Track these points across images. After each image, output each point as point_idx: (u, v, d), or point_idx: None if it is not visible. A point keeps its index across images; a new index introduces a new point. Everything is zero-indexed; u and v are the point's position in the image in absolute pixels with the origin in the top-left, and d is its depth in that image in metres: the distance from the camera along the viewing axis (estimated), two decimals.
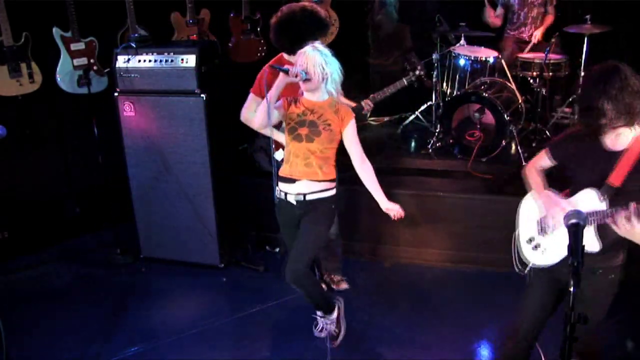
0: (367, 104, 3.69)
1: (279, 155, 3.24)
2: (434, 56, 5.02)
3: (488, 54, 5.04)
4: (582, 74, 4.95)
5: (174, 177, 4.11)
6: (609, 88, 2.16)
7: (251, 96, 3.35)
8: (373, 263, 4.32)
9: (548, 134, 4.94)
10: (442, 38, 5.32)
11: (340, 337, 3.34)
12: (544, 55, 4.83)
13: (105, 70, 4.47)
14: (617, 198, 2.25)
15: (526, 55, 5.07)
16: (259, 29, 5.38)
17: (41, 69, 4.25)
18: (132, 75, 4.00)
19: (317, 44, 2.88)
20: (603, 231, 2.30)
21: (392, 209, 3.00)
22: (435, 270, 4.22)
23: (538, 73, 4.92)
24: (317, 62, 2.80)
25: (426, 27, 5.69)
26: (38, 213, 4.57)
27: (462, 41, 5.20)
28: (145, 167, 4.14)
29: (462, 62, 5.14)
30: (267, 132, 3.09)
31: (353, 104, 3.64)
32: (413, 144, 5.31)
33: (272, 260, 4.33)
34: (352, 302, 3.82)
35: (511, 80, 4.97)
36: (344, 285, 4.00)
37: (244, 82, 3.65)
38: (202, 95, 3.91)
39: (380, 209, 3.04)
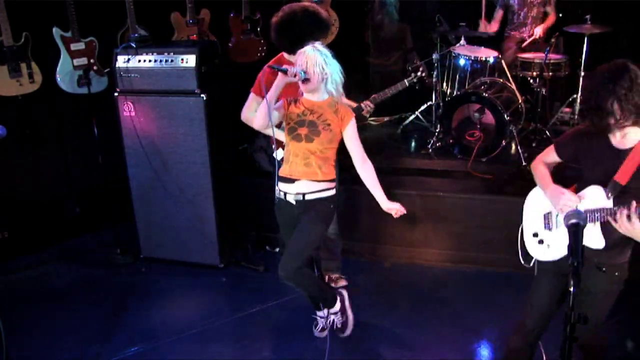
0: (367, 106, 3.67)
1: (279, 154, 3.24)
2: (434, 56, 5.02)
3: (488, 54, 5.04)
4: (582, 73, 4.96)
5: (174, 177, 4.11)
6: (618, 88, 2.15)
7: (252, 96, 3.36)
8: (373, 263, 4.32)
9: (548, 134, 4.95)
10: (442, 38, 5.32)
11: (349, 327, 3.35)
12: (544, 55, 4.83)
13: (105, 70, 4.47)
14: (623, 196, 2.25)
15: (526, 55, 5.07)
16: (259, 29, 5.38)
17: (41, 69, 4.25)
18: (132, 75, 4.00)
19: (317, 44, 2.87)
20: (608, 228, 2.31)
21: (393, 208, 2.99)
22: (435, 270, 4.22)
23: (538, 73, 4.92)
24: (317, 62, 2.80)
25: (426, 27, 5.69)
26: (38, 213, 4.57)
27: (462, 41, 5.20)
28: (145, 167, 4.14)
29: (462, 62, 5.15)
30: (269, 131, 3.09)
31: (354, 105, 3.64)
32: (413, 144, 5.31)
33: (272, 260, 4.33)
34: (352, 302, 3.83)
35: (511, 80, 4.97)
36: (342, 282, 4.01)
37: (244, 82, 3.65)
38: (202, 95, 3.91)
39: (381, 209, 3.04)
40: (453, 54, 5.17)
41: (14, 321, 3.46)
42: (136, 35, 4.28)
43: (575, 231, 2.16)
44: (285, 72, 2.79)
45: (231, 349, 3.41)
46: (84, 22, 4.38)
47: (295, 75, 2.79)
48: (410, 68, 3.81)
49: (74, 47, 4.38)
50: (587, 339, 2.51)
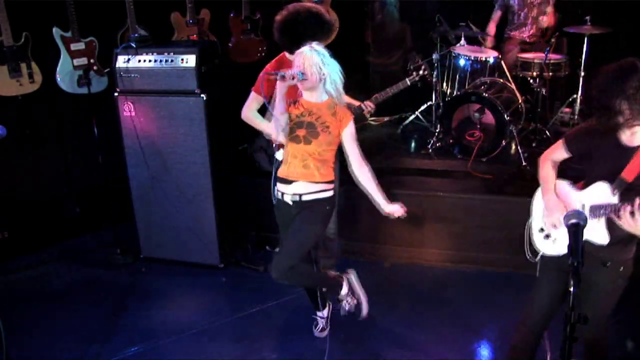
0: (368, 106, 3.66)
1: (280, 155, 3.24)
2: (434, 56, 5.02)
3: (488, 54, 5.04)
4: (582, 74, 4.96)
5: (174, 177, 4.11)
6: (626, 87, 2.15)
7: (252, 95, 3.36)
8: (373, 263, 4.32)
9: (548, 134, 4.95)
10: (442, 38, 5.32)
11: (364, 307, 3.33)
12: (544, 55, 4.83)
13: (105, 70, 4.47)
14: (629, 193, 2.26)
15: (526, 55, 5.07)
16: (259, 29, 5.38)
17: (41, 69, 4.25)
18: (132, 75, 4.00)
19: (315, 45, 2.86)
20: (613, 224, 2.32)
21: (394, 211, 2.96)
22: (435, 270, 4.22)
23: (538, 73, 4.92)
24: (314, 62, 2.79)
25: (426, 27, 5.68)
26: (38, 213, 4.57)
27: (462, 41, 5.20)
28: (145, 167, 4.14)
29: (462, 62, 5.15)
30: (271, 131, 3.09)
31: (356, 103, 3.63)
32: (413, 144, 5.31)
33: (272, 260, 4.32)
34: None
35: (511, 80, 4.97)
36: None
37: (244, 82, 3.64)
38: (202, 95, 3.91)
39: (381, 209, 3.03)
40: (453, 54, 5.17)
41: (14, 321, 3.46)
42: (136, 35, 4.28)
43: (575, 231, 2.16)
44: (282, 77, 2.77)
45: (231, 349, 3.41)
46: (84, 22, 4.38)
47: (293, 78, 2.77)
48: (412, 67, 3.80)
49: (74, 47, 4.38)
50: (592, 335, 2.52)
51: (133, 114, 4.05)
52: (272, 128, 2.90)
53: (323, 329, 3.45)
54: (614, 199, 2.31)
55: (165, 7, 4.85)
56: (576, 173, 2.61)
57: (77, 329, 3.60)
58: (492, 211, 4.15)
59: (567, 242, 2.42)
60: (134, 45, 4.00)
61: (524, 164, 4.46)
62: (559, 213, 2.44)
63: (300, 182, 2.95)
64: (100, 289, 4.09)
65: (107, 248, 4.51)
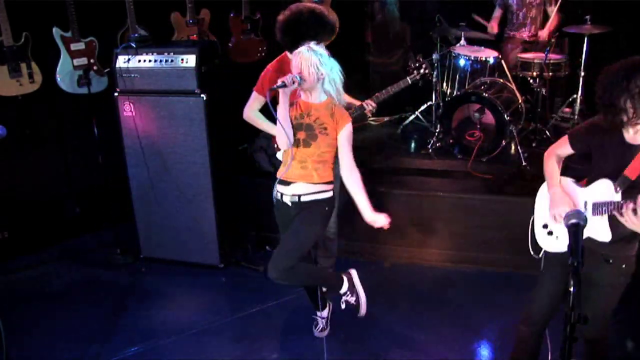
0: (369, 104, 3.66)
1: (280, 155, 3.25)
2: (434, 56, 5.02)
3: (488, 54, 5.04)
4: (582, 73, 4.96)
5: (174, 177, 4.11)
6: (631, 86, 2.16)
7: (254, 95, 3.36)
8: (373, 263, 4.32)
9: (548, 134, 4.95)
10: (442, 38, 5.32)
11: (362, 306, 3.28)
12: (544, 55, 4.83)
13: (105, 70, 4.47)
14: (632, 191, 2.27)
15: (526, 55, 5.07)
16: (259, 29, 5.38)
17: (41, 69, 4.25)
18: (132, 75, 4.00)
19: (313, 45, 2.85)
20: (615, 222, 2.33)
21: (376, 220, 2.90)
22: (435, 270, 4.22)
23: (538, 73, 4.92)
24: (312, 62, 2.77)
25: (426, 27, 5.69)
26: (38, 213, 4.57)
27: (462, 41, 5.20)
28: (145, 167, 4.14)
29: (462, 62, 5.14)
30: (273, 131, 3.08)
31: (357, 103, 3.63)
32: (413, 144, 5.31)
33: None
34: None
35: (511, 80, 4.97)
36: None
37: (244, 82, 3.65)
38: (202, 95, 3.91)
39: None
40: (453, 54, 5.17)
41: (14, 321, 3.47)
42: (136, 35, 4.28)
43: (575, 231, 2.17)
44: (283, 85, 2.75)
45: (231, 349, 3.41)
46: (84, 22, 4.38)
47: (293, 82, 2.76)
48: (413, 65, 3.78)
49: (74, 47, 4.38)
50: (593, 334, 2.53)
51: (133, 114, 4.05)
52: (278, 136, 2.88)
53: (323, 329, 3.45)
54: (617, 197, 2.32)
55: (165, 7, 4.85)
56: (576, 173, 2.62)
57: (77, 329, 3.60)
58: (492, 211, 4.15)
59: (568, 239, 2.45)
60: (134, 45, 4.00)
61: (524, 164, 4.46)
62: (565, 206, 2.44)
63: (299, 183, 2.94)
64: (100, 289, 4.09)
65: (107, 248, 4.51)
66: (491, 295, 3.86)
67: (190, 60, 3.89)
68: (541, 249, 2.65)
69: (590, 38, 4.90)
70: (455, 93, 5.17)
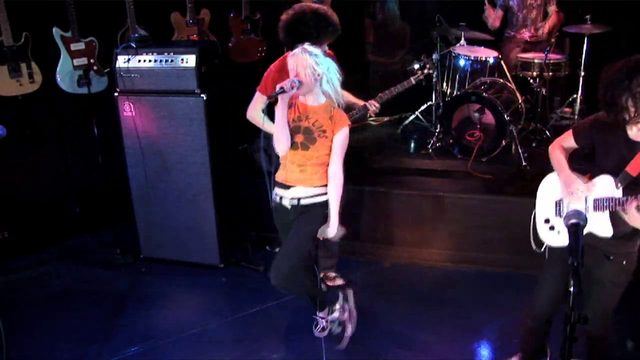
0: (373, 105, 3.65)
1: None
2: (434, 56, 5.01)
3: (488, 54, 5.04)
4: (583, 73, 4.96)
5: (174, 177, 4.11)
6: (633, 85, 2.17)
7: (257, 95, 3.35)
8: (373, 263, 4.32)
9: (548, 134, 4.95)
10: (442, 38, 5.32)
11: (351, 325, 3.28)
12: (544, 55, 4.83)
13: (105, 70, 4.47)
14: (633, 187, 2.28)
15: (526, 55, 5.07)
16: (259, 29, 5.38)
17: (41, 69, 4.25)
18: (132, 75, 4.00)
19: (307, 46, 2.83)
20: (617, 218, 2.35)
21: (338, 233, 2.95)
22: (435, 270, 4.22)
23: (538, 73, 4.92)
24: (307, 64, 2.74)
25: (426, 27, 5.68)
26: (38, 213, 4.57)
27: (462, 41, 5.20)
28: (145, 167, 4.14)
29: (462, 62, 5.14)
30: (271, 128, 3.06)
31: (361, 103, 3.63)
32: (413, 144, 5.31)
33: (272, 260, 4.32)
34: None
35: (511, 80, 4.97)
36: (339, 282, 4.00)
37: (244, 82, 3.65)
38: (202, 95, 3.90)
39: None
40: (453, 54, 5.16)
41: (14, 321, 3.47)
42: (136, 35, 4.28)
43: (575, 231, 2.17)
44: (283, 91, 2.73)
45: (231, 349, 3.41)
46: (84, 22, 4.38)
47: (292, 87, 2.74)
48: (417, 66, 3.78)
49: (74, 47, 4.38)
50: (594, 332, 2.53)
51: (133, 114, 4.05)
52: (275, 141, 2.86)
53: (323, 329, 3.44)
54: (618, 193, 2.34)
55: (165, 7, 4.85)
56: (577, 172, 2.62)
57: (77, 329, 3.60)
58: (492, 211, 4.15)
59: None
60: (134, 45, 4.00)
61: (524, 164, 4.45)
62: (577, 182, 2.46)
63: (299, 187, 2.93)
64: (100, 289, 4.09)
65: (107, 248, 4.51)
66: (491, 295, 3.86)
67: (190, 60, 3.89)
68: (543, 243, 2.66)
69: (590, 38, 4.90)
70: (455, 93, 5.17)
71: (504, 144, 4.55)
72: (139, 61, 3.98)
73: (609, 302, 2.54)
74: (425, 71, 3.85)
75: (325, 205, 2.96)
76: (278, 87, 2.76)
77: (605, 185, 2.39)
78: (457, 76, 5.18)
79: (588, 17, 4.83)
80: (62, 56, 4.35)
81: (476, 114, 4.65)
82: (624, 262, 2.45)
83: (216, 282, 4.14)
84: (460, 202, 4.27)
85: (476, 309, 3.71)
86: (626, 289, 2.55)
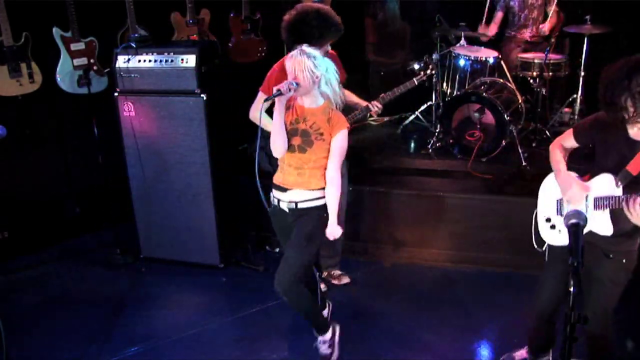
0: (375, 105, 3.64)
1: None
2: (434, 56, 5.01)
3: (488, 54, 5.04)
4: (582, 73, 4.96)
5: (174, 177, 4.11)
6: (633, 85, 2.17)
7: (260, 95, 3.35)
8: (373, 263, 4.32)
9: (548, 134, 4.95)
10: (442, 38, 5.32)
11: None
12: (544, 55, 4.84)
13: (105, 70, 4.47)
14: (633, 186, 2.29)
15: (526, 55, 5.07)
16: (259, 29, 5.38)
17: (41, 69, 4.25)
18: (132, 75, 3.99)
19: (305, 47, 2.79)
20: (617, 216, 2.36)
21: (334, 231, 2.91)
22: (435, 270, 4.22)
23: (538, 73, 4.92)
24: (305, 66, 2.71)
25: (426, 27, 5.68)
26: (38, 213, 4.57)
27: (462, 41, 5.20)
28: (145, 167, 4.14)
29: (462, 62, 5.14)
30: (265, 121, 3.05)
31: (364, 104, 3.62)
32: (413, 144, 5.31)
33: (272, 260, 4.32)
34: (352, 302, 3.83)
35: (511, 80, 4.97)
36: (346, 280, 4.01)
37: (244, 82, 3.65)
38: (202, 95, 3.90)
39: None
40: (453, 54, 5.16)
41: (14, 321, 3.47)
42: (136, 35, 4.28)
43: (575, 231, 2.18)
44: (280, 93, 2.71)
45: (231, 349, 3.41)
46: (84, 22, 4.38)
47: (290, 89, 2.71)
48: (419, 66, 3.78)
49: (74, 47, 4.38)
50: (595, 331, 2.54)
51: (133, 114, 4.05)
52: (272, 143, 2.83)
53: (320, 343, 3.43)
54: (618, 191, 2.35)
55: (165, 7, 4.85)
56: (577, 172, 2.63)
57: (77, 329, 3.60)
58: (492, 211, 4.15)
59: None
60: (134, 45, 4.00)
61: (524, 164, 4.45)
62: (573, 186, 2.47)
63: (296, 190, 2.90)
64: (100, 289, 4.09)
65: (107, 248, 4.51)
66: (491, 295, 3.86)
67: (190, 60, 3.89)
68: (544, 242, 2.68)
69: (590, 38, 4.90)
70: (455, 93, 5.17)
71: (504, 144, 4.55)
72: (139, 61, 3.98)
73: (608, 300, 2.54)
74: (428, 72, 3.84)
75: (323, 208, 2.92)
76: (275, 89, 2.74)
77: (606, 184, 2.40)
78: (457, 76, 5.19)
79: (588, 17, 4.83)
80: (62, 56, 4.35)
81: (476, 114, 4.65)
82: (624, 261, 2.46)
83: (216, 282, 4.14)
84: (460, 202, 4.27)
85: (476, 309, 3.71)
86: (626, 288, 2.55)
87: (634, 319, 3.41)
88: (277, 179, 2.97)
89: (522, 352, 3.08)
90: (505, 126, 4.51)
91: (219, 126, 4.05)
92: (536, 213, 2.73)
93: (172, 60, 3.92)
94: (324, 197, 2.91)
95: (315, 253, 3.07)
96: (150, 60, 3.96)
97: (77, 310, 3.81)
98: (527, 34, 5.29)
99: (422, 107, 5.48)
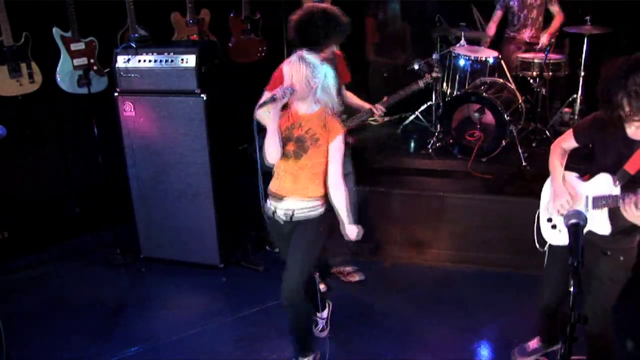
0: (378, 109, 3.61)
1: None
2: (434, 56, 5.01)
3: (488, 54, 5.04)
4: (583, 73, 4.96)
5: (174, 177, 4.11)
6: (629, 84, 2.18)
7: (266, 94, 3.34)
8: (373, 263, 4.32)
9: (548, 134, 4.95)
10: (442, 38, 5.32)
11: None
12: (544, 55, 4.84)
13: (105, 70, 4.47)
14: (631, 185, 2.31)
15: (526, 55, 5.07)
16: (259, 29, 5.38)
17: (41, 69, 4.25)
18: (132, 75, 4.00)
19: (305, 53, 2.76)
20: (615, 215, 2.38)
21: (354, 231, 2.84)
22: (435, 270, 4.22)
23: (538, 73, 4.92)
24: (303, 74, 2.68)
25: (426, 27, 5.68)
26: (38, 213, 4.57)
27: (462, 41, 5.20)
28: (145, 167, 4.14)
29: (462, 62, 5.15)
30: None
31: (367, 106, 3.61)
32: (413, 144, 5.31)
33: (272, 260, 4.32)
34: (352, 302, 3.83)
35: (511, 80, 4.97)
36: (357, 277, 4.01)
37: (244, 82, 3.65)
38: (202, 95, 3.90)
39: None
40: (453, 54, 5.17)
41: (14, 321, 3.47)
42: (136, 35, 4.28)
43: (575, 231, 2.19)
44: (274, 99, 2.68)
45: (231, 349, 3.41)
46: (84, 22, 4.38)
47: (284, 95, 2.69)
48: (425, 69, 3.76)
49: (74, 47, 4.38)
50: (595, 328, 2.55)
51: (133, 114, 4.05)
52: (266, 150, 2.79)
53: (323, 329, 3.45)
54: (616, 190, 2.37)
55: (165, 7, 4.85)
56: (576, 172, 2.63)
57: (77, 329, 3.60)
58: (492, 211, 4.15)
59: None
60: (134, 45, 4.00)
61: (524, 164, 4.46)
62: (564, 198, 2.52)
63: (292, 198, 2.84)
64: (100, 289, 4.08)
65: (107, 248, 4.51)
66: (491, 295, 3.86)
67: (190, 60, 3.89)
68: (546, 242, 2.71)
69: (590, 38, 4.90)
70: (455, 93, 5.18)
71: (504, 144, 4.55)
72: (139, 61, 3.98)
73: (607, 299, 2.55)
74: (434, 75, 3.83)
75: (320, 219, 2.88)
76: (270, 94, 2.72)
77: (604, 183, 2.41)
78: (457, 76, 5.19)
79: (588, 17, 4.84)
80: (62, 56, 4.35)
81: (476, 114, 4.65)
82: (621, 258, 2.48)
83: (216, 282, 4.14)
84: (460, 202, 4.27)
85: (476, 309, 3.71)
86: (625, 287, 2.55)
87: (634, 319, 3.42)
88: (272, 186, 2.92)
89: (534, 343, 3.13)
90: (505, 126, 4.51)
91: (219, 126, 4.05)
92: (538, 213, 2.75)
93: (172, 60, 3.92)
94: (320, 206, 2.87)
95: (316, 259, 3.03)
96: (150, 60, 3.96)
97: (77, 310, 3.81)
98: (526, 34, 5.29)
99: (422, 107, 5.48)
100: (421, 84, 3.75)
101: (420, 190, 4.41)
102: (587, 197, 2.49)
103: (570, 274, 2.06)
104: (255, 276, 4.18)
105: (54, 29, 4.28)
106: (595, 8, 5.10)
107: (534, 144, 4.87)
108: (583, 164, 2.69)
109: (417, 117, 5.53)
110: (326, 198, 2.90)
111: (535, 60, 4.94)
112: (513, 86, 4.91)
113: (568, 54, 5.19)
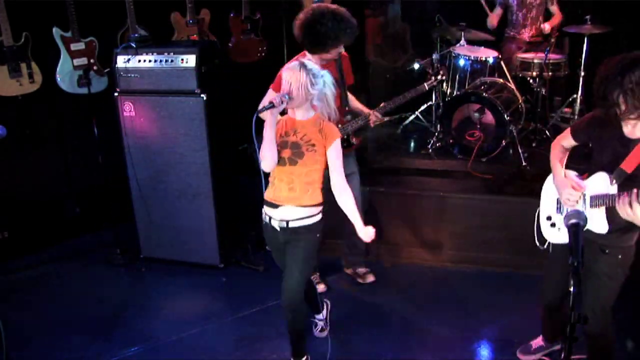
0: (375, 115, 3.57)
1: None
2: (434, 56, 5.01)
3: (488, 54, 5.04)
4: (582, 73, 4.96)
5: (174, 177, 4.11)
6: (625, 81, 2.19)
7: (270, 92, 3.34)
8: (373, 263, 4.31)
9: (548, 134, 4.95)
10: (442, 38, 5.32)
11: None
12: (544, 55, 4.84)
13: (105, 70, 4.47)
14: (628, 183, 2.31)
15: (526, 55, 5.07)
16: (259, 29, 5.38)
17: (41, 69, 4.25)
18: (132, 75, 4.00)
19: (306, 60, 2.75)
20: (612, 214, 2.38)
21: (368, 234, 2.83)
22: (435, 270, 4.22)
23: (538, 73, 4.92)
24: (302, 83, 2.64)
25: (426, 27, 5.68)
26: (38, 213, 4.57)
27: (462, 41, 5.20)
28: (145, 167, 4.14)
29: (462, 62, 5.14)
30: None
31: (366, 111, 3.61)
32: (413, 144, 5.31)
33: (272, 260, 4.30)
34: (352, 302, 3.83)
35: (511, 80, 4.97)
36: (371, 278, 4.01)
37: (244, 82, 3.65)
38: (202, 95, 3.90)
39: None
40: (453, 54, 5.16)
41: (14, 321, 3.47)
42: (136, 35, 4.28)
43: (575, 231, 2.19)
44: (272, 106, 2.66)
45: (231, 349, 3.41)
46: (84, 22, 4.38)
47: (282, 102, 2.67)
48: (431, 71, 3.74)
49: (74, 47, 4.38)
50: (595, 327, 2.55)
51: (133, 114, 4.05)
52: (262, 157, 2.76)
53: (323, 329, 3.45)
54: (613, 189, 2.37)
55: (165, 7, 4.85)
56: (576, 172, 2.64)
57: (77, 329, 3.60)
58: (492, 211, 4.15)
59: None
60: (134, 45, 4.00)
61: (524, 164, 4.46)
62: (567, 187, 2.53)
63: (287, 207, 2.82)
64: (100, 289, 4.08)
65: (107, 248, 4.51)
66: (491, 295, 3.86)
67: (190, 60, 3.89)
68: (546, 240, 2.72)
69: (590, 38, 4.90)
70: (455, 93, 5.17)
71: (504, 144, 4.55)
72: (139, 61, 3.98)
73: (606, 297, 2.56)
74: (439, 77, 3.81)
75: (315, 228, 2.85)
76: (268, 102, 2.70)
77: (601, 182, 2.42)
78: (457, 76, 5.19)
79: (588, 17, 4.84)
80: (62, 56, 4.35)
81: (476, 114, 4.65)
82: (619, 256, 2.49)
83: (216, 282, 4.14)
84: (460, 202, 4.27)
85: (476, 309, 3.71)
86: (625, 287, 2.55)
87: (634, 319, 3.41)
88: (267, 195, 2.89)
89: (538, 341, 3.15)
90: (505, 126, 4.51)
91: (219, 126, 4.05)
92: (538, 211, 2.76)
93: (172, 60, 3.92)
94: (315, 214, 2.85)
95: (313, 265, 3.01)
96: (150, 60, 3.96)
97: (77, 311, 3.81)
98: (526, 34, 5.29)
99: (422, 107, 5.48)
100: (427, 86, 3.73)
101: (420, 190, 4.41)
102: (584, 196, 2.50)
103: (570, 273, 2.06)
104: (255, 276, 4.18)
105: (54, 29, 4.29)
106: (595, 8, 5.10)
107: (534, 144, 4.87)
108: (583, 163, 2.70)
109: (417, 117, 5.53)
110: (321, 205, 2.87)
111: (535, 60, 4.94)
112: (513, 86, 4.91)
113: (568, 54, 5.19)
